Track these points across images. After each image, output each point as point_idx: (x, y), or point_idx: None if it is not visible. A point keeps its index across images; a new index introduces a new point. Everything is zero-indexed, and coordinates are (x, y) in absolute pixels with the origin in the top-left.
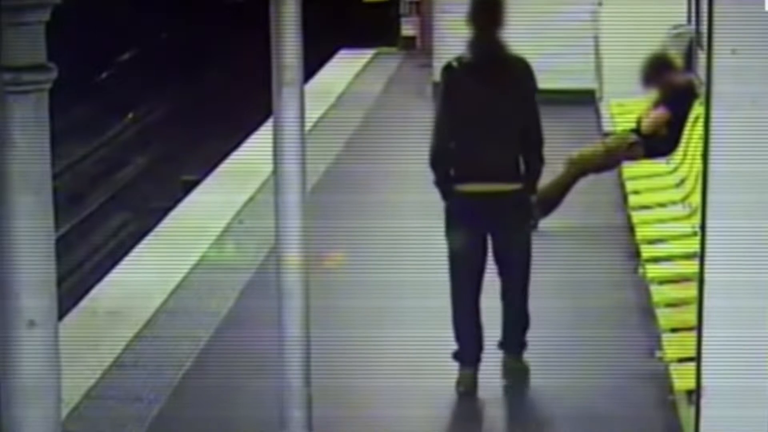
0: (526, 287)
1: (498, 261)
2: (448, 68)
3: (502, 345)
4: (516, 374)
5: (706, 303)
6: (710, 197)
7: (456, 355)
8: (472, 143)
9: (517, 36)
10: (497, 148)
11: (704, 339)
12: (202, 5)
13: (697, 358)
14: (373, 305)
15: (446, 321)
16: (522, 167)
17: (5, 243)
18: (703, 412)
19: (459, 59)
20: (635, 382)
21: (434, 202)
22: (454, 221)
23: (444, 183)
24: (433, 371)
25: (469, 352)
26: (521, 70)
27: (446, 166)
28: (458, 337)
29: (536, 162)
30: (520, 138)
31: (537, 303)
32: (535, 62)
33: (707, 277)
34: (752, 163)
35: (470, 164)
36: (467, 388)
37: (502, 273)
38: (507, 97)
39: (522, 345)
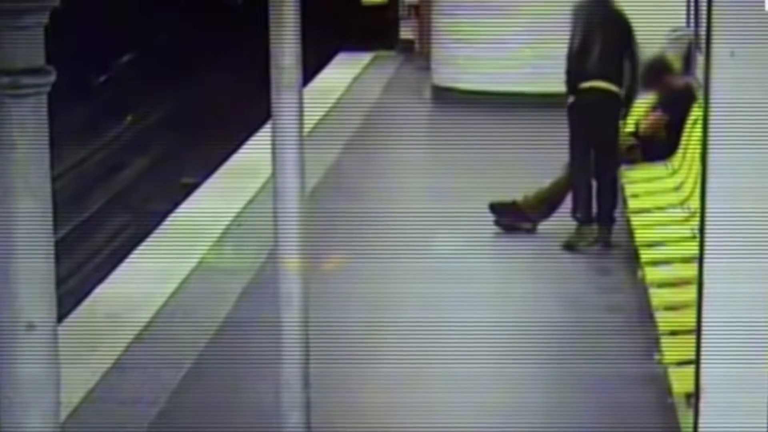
0: (616, 171)
1: (596, 148)
2: (578, 6)
3: (597, 218)
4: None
5: (706, 289)
6: (709, 206)
7: (576, 217)
8: (589, 56)
9: (518, 40)
10: (605, 61)
11: (703, 327)
12: (202, 7)
13: (697, 347)
14: (375, 291)
15: (446, 310)
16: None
17: (4, 245)
18: (703, 399)
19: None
20: (634, 385)
21: (436, 189)
22: (574, 113)
23: (571, 81)
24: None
25: (586, 213)
26: (619, 16)
27: (573, 70)
28: (576, 200)
29: (633, 81)
30: (623, 61)
31: (536, 305)
32: (536, 65)
33: (707, 264)
34: (751, 158)
35: (587, 69)
36: (588, 243)
37: (598, 157)
38: (609, 32)
39: (612, 219)
